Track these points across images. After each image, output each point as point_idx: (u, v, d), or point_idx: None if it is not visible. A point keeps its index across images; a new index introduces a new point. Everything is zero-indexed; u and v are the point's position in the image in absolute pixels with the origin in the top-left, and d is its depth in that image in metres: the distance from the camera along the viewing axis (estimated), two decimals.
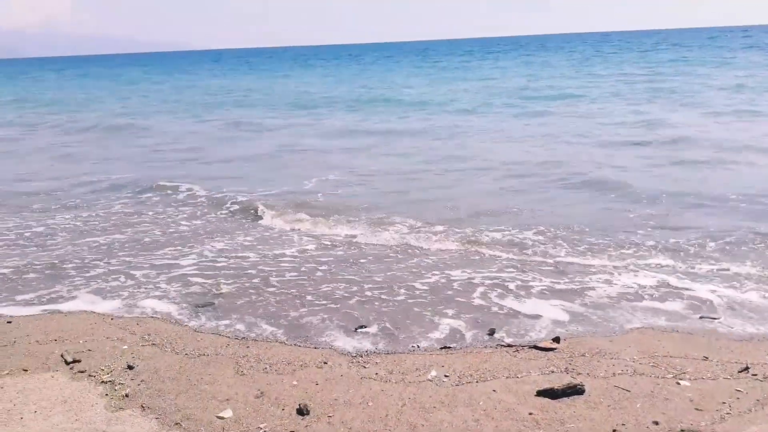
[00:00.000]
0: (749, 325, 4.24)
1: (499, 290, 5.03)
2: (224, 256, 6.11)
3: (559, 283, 5.15)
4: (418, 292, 5.01)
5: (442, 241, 6.38)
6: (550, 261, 5.76)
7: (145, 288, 5.26)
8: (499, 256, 5.94)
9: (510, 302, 4.79)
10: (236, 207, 8.17)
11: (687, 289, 4.93)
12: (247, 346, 4.09)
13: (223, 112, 21.16)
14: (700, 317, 4.37)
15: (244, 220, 7.63)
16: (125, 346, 4.10)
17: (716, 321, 4.29)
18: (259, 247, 6.43)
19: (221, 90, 32.07)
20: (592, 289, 4.99)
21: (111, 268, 5.80)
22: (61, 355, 3.95)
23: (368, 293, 5.01)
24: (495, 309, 4.67)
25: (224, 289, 5.15)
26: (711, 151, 10.62)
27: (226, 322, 4.52)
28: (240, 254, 6.17)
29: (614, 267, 5.51)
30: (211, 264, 5.88)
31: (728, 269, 5.31)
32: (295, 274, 5.55)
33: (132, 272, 5.65)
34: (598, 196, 8.17)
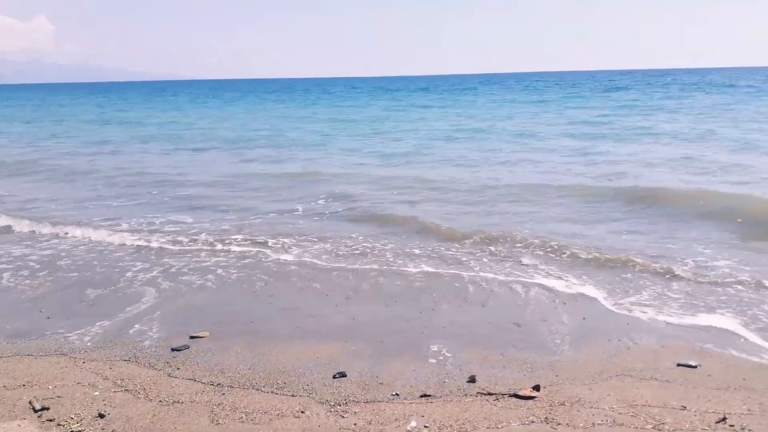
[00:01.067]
0: (726, 372, 4.27)
1: None
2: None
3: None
4: (392, 332, 4.99)
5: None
6: None
7: (120, 329, 5.15)
8: None
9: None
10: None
11: (662, 334, 4.98)
12: (223, 393, 4.00)
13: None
14: (678, 364, 4.40)
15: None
16: (96, 393, 3.99)
17: (694, 368, 4.33)
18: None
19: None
20: (569, 334, 5.00)
21: (84, 308, 5.69)
22: (30, 402, 3.82)
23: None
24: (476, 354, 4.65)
25: (202, 332, 5.06)
26: None
27: (203, 366, 4.43)
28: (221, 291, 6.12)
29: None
30: (184, 302, 5.80)
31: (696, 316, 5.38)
32: (274, 311, 5.51)
33: (107, 311, 5.55)
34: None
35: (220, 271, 6.78)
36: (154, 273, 6.72)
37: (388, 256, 7.25)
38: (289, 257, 7.25)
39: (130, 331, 5.07)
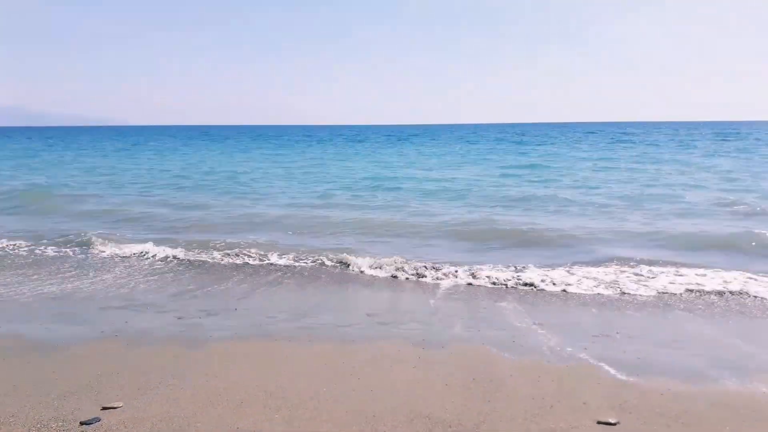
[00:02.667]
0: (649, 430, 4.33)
1: None
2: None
3: None
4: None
5: None
6: None
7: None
8: None
9: None
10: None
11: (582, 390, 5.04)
12: None
13: None
14: (598, 422, 4.44)
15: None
16: None
17: (614, 426, 4.38)
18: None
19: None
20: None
21: None
22: None
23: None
24: None
25: (117, 403, 4.79)
26: None
27: None
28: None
29: None
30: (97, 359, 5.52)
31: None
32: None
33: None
34: None
35: None
36: None
37: None
38: None
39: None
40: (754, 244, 11.12)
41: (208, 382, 5.18)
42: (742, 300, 7.85)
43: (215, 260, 10.50)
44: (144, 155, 45.98)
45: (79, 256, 10.95)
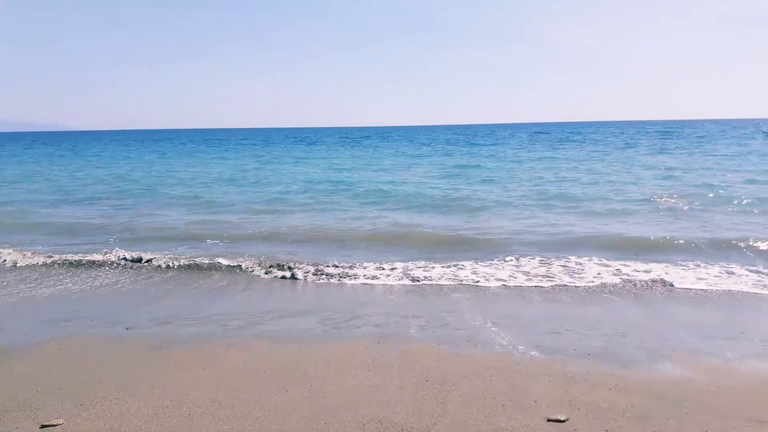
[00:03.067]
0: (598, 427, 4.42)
1: None
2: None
3: None
4: None
5: None
6: None
7: None
8: None
9: None
10: None
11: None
12: None
13: None
14: (548, 420, 4.51)
15: None
16: None
17: (563, 423, 4.45)
18: None
19: None
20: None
21: None
22: None
23: None
24: None
25: (57, 420, 4.58)
26: None
27: None
28: None
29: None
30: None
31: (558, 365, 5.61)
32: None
33: None
34: None
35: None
36: None
37: None
38: None
39: None
40: (677, 240, 11.59)
41: (155, 394, 5.02)
42: (671, 290, 8.19)
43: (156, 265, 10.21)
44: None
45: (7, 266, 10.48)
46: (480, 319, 7.00)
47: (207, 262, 10.36)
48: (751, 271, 9.21)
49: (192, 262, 10.35)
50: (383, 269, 9.63)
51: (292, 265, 9.95)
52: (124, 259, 10.61)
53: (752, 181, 20.89)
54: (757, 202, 16.16)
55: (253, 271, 9.80)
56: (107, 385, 5.21)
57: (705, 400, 4.76)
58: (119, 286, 9.06)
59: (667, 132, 73.73)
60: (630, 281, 8.70)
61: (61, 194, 22.15)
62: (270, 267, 9.88)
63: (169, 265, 10.18)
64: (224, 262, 10.27)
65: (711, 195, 17.78)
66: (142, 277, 9.60)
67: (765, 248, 10.73)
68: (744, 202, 16.16)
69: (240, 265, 10.04)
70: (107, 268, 10.21)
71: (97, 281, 9.33)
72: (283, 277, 9.43)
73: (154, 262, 10.35)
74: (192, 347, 6.15)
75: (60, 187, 24.53)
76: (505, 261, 10.13)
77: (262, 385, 5.16)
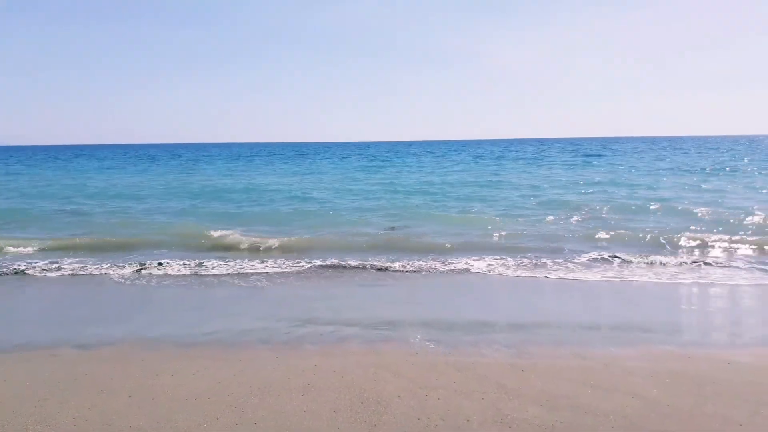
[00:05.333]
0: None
1: None
2: None
3: None
4: None
5: None
6: None
7: None
8: None
9: None
10: None
11: None
12: None
13: None
14: None
15: None
16: None
17: None
18: None
19: None
20: None
21: None
22: None
23: None
24: None
25: None
26: None
27: None
28: None
29: None
30: None
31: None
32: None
33: None
34: None
35: None
36: None
37: None
38: None
39: None
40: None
41: (77, 427, 4.78)
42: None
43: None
44: None
45: None
46: (418, 336, 7.03)
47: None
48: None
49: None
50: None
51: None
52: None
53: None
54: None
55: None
56: (24, 419, 4.92)
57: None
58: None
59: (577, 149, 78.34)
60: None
61: None
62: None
63: None
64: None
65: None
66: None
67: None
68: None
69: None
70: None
71: None
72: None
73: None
74: (121, 365, 5.90)
75: None
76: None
77: (192, 411, 5.00)
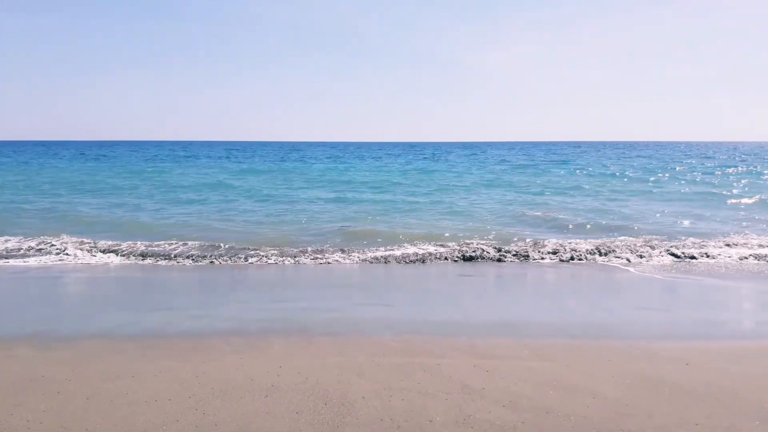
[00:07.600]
0: None
1: None
2: None
3: None
4: None
5: None
6: None
7: None
8: None
9: None
10: None
11: None
12: None
13: None
14: None
15: None
16: None
17: None
18: None
19: None
20: None
21: None
22: None
23: None
24: None
25: None
26: None
27: None
28: None
29: None
30: None
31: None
32: None
33: None
34: None
35: None
36: None
37: None
38: None
39: None
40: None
41: (30, 430, 4.64)
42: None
43: None
44: None
45: None
46: (385, 335, 7.02)
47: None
48: None
49: None
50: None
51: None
52: None
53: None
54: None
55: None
56: None
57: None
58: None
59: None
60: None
61: None
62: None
63: None
64: None
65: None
66: None
67: None
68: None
69: None
70: None
71: None
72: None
73: None
74: (78, 369, 5.76)
75: None
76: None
77: (153, 413, 4.90)
